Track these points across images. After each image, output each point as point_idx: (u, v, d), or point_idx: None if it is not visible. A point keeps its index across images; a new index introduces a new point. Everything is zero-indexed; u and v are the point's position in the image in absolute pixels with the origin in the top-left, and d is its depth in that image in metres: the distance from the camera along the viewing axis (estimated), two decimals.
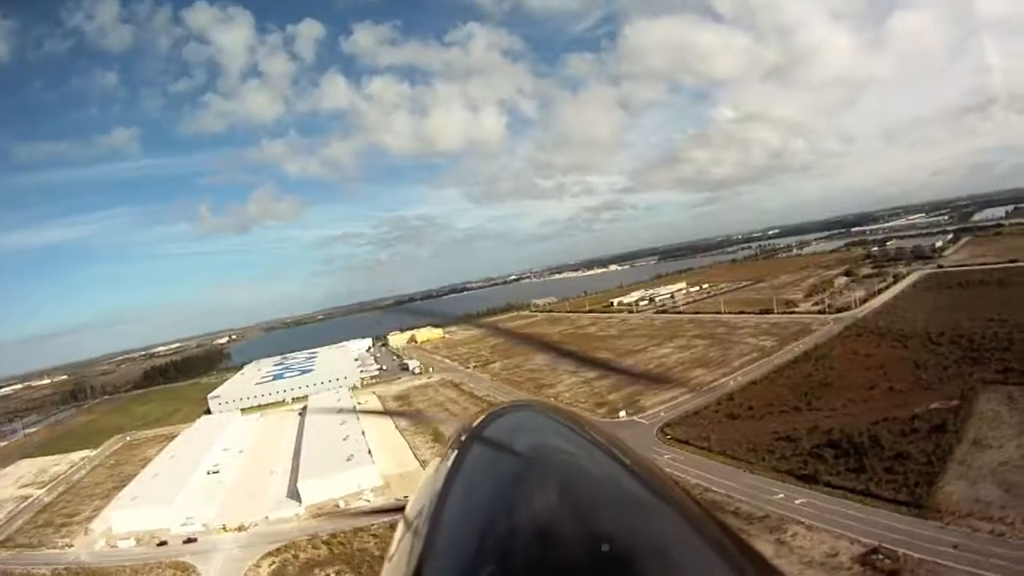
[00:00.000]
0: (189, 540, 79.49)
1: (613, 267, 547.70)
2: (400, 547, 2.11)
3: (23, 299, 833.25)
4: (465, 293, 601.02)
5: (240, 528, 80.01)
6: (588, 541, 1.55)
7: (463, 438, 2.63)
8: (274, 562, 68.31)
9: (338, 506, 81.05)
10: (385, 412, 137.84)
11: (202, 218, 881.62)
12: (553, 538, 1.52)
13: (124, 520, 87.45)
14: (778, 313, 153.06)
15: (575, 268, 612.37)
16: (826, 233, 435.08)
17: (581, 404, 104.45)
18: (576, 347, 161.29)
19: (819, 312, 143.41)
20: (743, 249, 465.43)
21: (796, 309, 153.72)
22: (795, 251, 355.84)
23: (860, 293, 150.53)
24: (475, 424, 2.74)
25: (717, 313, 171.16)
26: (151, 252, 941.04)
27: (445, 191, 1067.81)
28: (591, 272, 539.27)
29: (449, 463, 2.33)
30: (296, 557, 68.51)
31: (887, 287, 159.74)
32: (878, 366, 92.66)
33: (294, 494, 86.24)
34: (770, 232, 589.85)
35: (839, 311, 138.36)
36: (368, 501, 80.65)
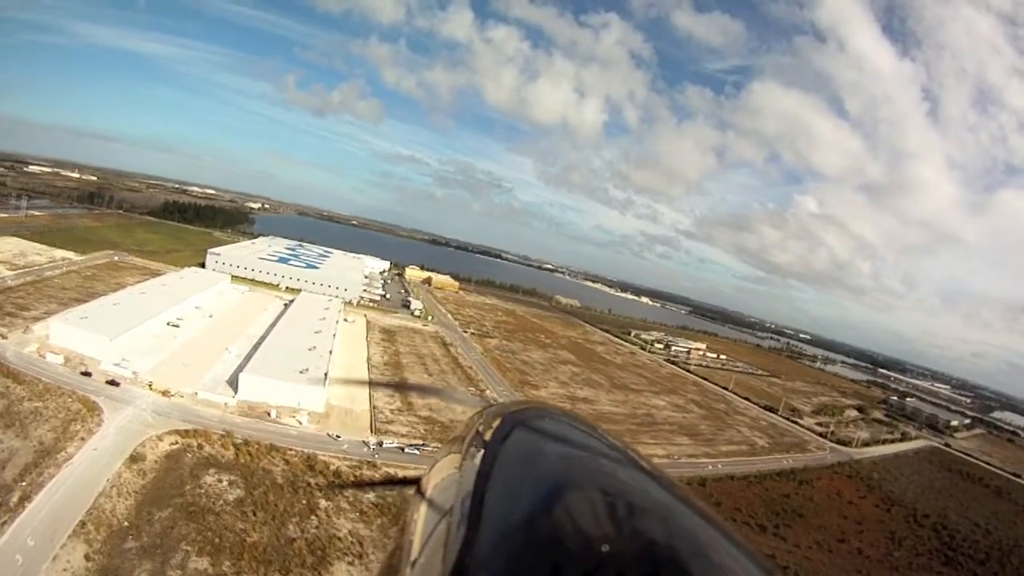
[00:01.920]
0: (112, 382, 78.94)
1: (645, 299, 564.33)
2: (434, 540, 2.13)
3: (89, 91, 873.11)
4: (498, 261, 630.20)
5: (165, 393, 78.94)
6: (634, 547, 1.62)
7: (492, 434, 2.56)
8: (176, 442, 66.63)
9: (268, 414, 78.91)
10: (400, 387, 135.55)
11: (285, 85, 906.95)
12: (603, 545, 1.56)
13: (63, 335, 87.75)
14: (781, 416, 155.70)
15: (610, 284, 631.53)
16: (853, 361, 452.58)
17: None
18: (576, 357, 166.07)
19: (820, 434, 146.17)
20: (772, 339, 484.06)
21: (799, 421, 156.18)
22: (819, 364, 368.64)
23: (865, 434, 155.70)
24: (501, 421, 2.67)
25: (724, 388, 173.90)
26: (225, 97, 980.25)
27: (520, 158, 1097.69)
28: (623, 294, 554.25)
29: (481, 459, 2.35)
30: (200, 448, 66.65)
31: (892, 441, 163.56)
32: (856, 519, 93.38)
33: (234, 382, 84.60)
34: (802, 335, 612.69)
35: (840, 442, 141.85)
36: (299, 423, 78.21)
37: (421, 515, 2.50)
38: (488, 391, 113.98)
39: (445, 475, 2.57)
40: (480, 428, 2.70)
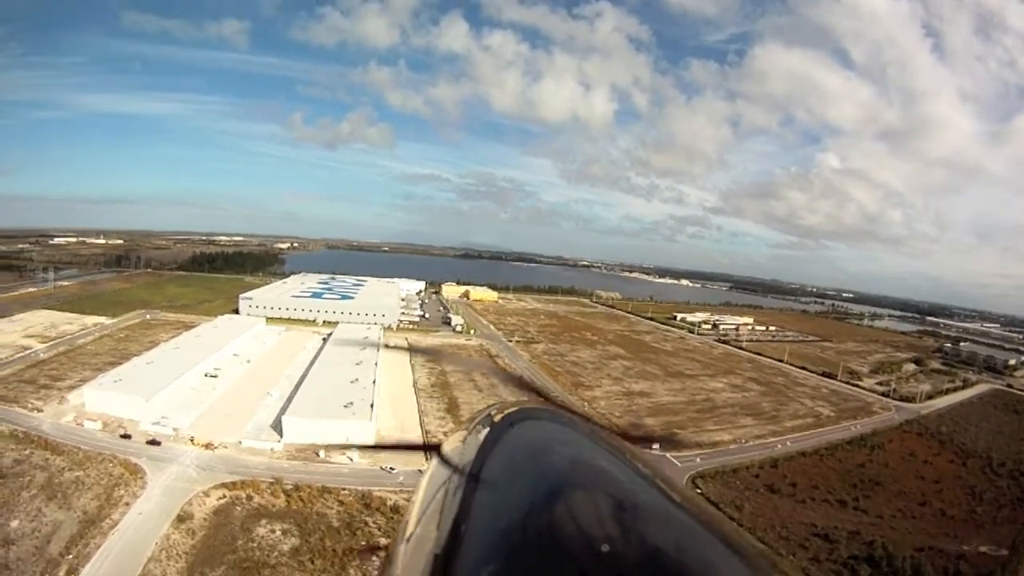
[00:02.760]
0: (152, 442, 78.13)
1: (684, 282, 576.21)
2: (423, 535, 2.27)
3: (103, 159, 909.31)
4: (534, 265, 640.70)
5: (208, 446, 77.58)
6: (630, 549, 1.68)
7: (487, 435, 2.75)
8: (224, 496, 64.79)
9: (317, 454, 76.70)
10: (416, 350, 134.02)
11: (293, 124, 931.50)
12: (600, 546, 1.64)
13: (99, 400, 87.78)
14: (840, 381, 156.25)
15: (647, 272, 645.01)
16: (899, 313, 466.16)
17: (613, 419, 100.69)
18: (625, 350, 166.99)
19: (883, 394, 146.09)
20: (815, 303, 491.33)
21: (859, 383, 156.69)
22: (866, 321, 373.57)
23: (927, 387, 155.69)
24: (499, 420, 2.90)
25: (779, 360, 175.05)
26: (235, 144, 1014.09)
27: (538, 160, 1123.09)
28: (662, 280, 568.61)
29: (476, 458, 2.52)
30: (249, 499, 64.62)
31: (955, 389, 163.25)
32: (933, 479, 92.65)
33: (278, 426, 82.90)
34: (844, 294, 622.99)
35: (903, 399, 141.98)
36: (350, 460, 75.70)
37: (415, 509, 2.69)
38: None
39: (455, 449, 2.75)
40: (479, 427, 2.90)
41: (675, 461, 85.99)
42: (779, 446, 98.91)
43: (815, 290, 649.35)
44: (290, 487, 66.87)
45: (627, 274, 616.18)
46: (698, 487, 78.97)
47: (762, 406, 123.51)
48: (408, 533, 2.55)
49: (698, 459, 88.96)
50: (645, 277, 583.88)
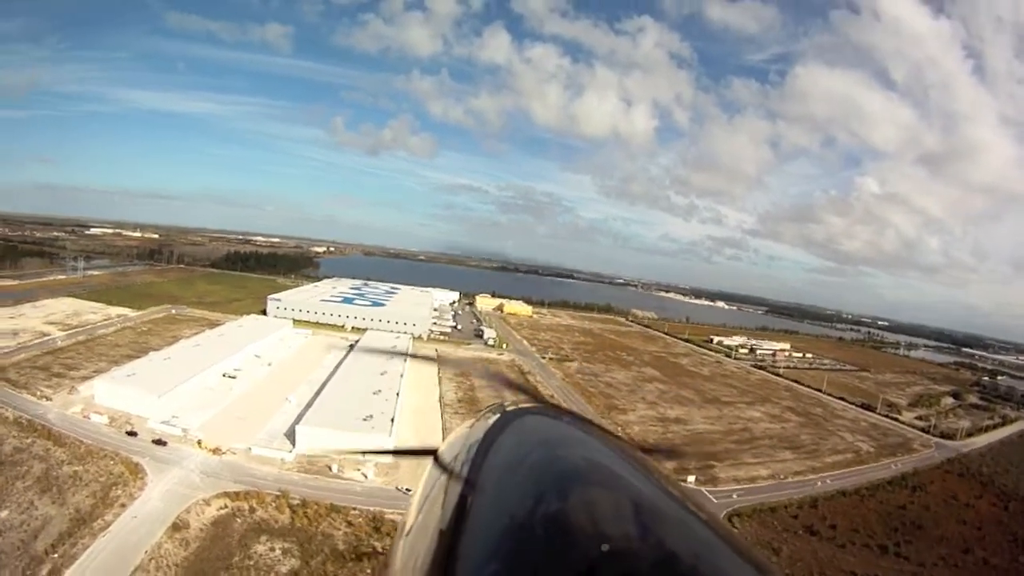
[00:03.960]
0: (158, 441, 77.02)
1: (720, 303, 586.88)
2: (426, 533, 2.35)
3: (145, 154, 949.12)
4: (570, 280, 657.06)
5: (215, 451, 75.94)
6: (629, 548, 1.75)
7: (486, 434, 2.88)
8: (225, 507, 62.67)
9: (329, 468, 74.18)
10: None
11: (335, 129, 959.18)
12: (599, 542, 1.71)
13: (108, 394, 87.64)
14: (880, 414, 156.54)
15: (683, 292, 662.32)
16: (934, 343, 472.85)
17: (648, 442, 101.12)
18: (661, 373, 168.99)
19: (923, 430, 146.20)
20: (852, 330, 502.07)
21: (899, 417, 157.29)
22: (902, 351, 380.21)
23: (966, 423, 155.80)
24: (498, 419, 3.05)
25: (817, 390, 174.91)
26: (276, 146, 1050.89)
27: (578, 175, 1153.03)
28: (698, 301, 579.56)
29: (475, 457, 2.66)
30: (252, 511, 62.34)
31: (994, 427, 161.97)
32: (975, 524, 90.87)
33: (292, 435, 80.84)
34: (880, 322, 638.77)
35: (943, 436, 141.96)
36: (365, 477, 72.88)
37: (412, 511, 2.85)
38: None
39: (441, 475, 2.86)
40: (485, 416, 3.13)
41: (711, 497, 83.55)
42: (819, 483, 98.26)
43: (850, 317, 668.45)
44: (297, 502, 64.37)
45: (663, 293, 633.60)
46: (734, 527, 74.85)
47: (801, 439, 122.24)
48: (407, 530, 2.65)
49: (735, 495, 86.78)
50: (681, 297, 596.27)
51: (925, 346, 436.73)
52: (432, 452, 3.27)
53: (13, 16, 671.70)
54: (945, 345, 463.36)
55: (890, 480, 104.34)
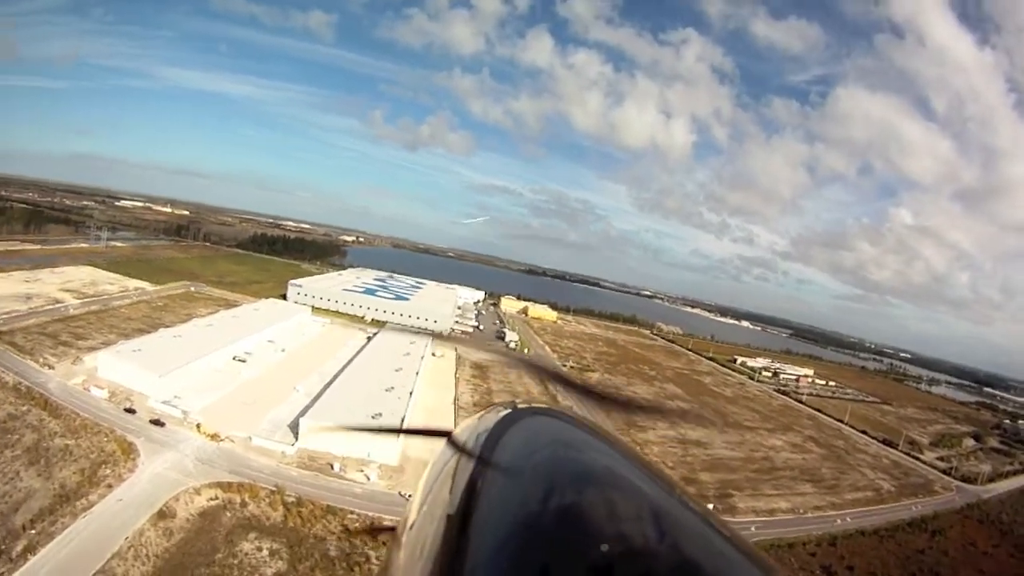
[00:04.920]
0: (156, 421, 75.56)
1: (745, 323, 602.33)
2: (427, 532, 2.39)
3: (180, 131, 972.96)
4: (596, 288, 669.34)
5: (214, 437, 74.09)
6: (632, 547, 1.80)
7: (494, 429, 2.92)
8: (215, 497, 60.52)
9: (331, 466, 71.79)
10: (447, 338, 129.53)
11: (373, 121, 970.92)
12: (601, 542, 1.75)
13: (112, 368, 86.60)
14: (901, 451, 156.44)
15: (709, 309, 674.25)
16: (955, 380, 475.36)
17: (667, 468, 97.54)
18: (684, 391, 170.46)
19: (944, 471, 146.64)
20: (874, 360, 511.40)
21: (920, 456, 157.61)
22: (924, 386, 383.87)
23: (987, 468, 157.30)
24: (506, 415, 3.09)
25: (839, 421, 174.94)
26: (314, 134, 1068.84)
27: (613, 185, 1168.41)
28: (723, 319, 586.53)
29: (483, 451, 2.71)
30: (243, 505, 60.11)
31: (1015, 473, 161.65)
32: (993, 574, 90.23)
33: (295, 427, 78.72)
34: (902, 353, 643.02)
35: (964, 479, 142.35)
36: (367, 479, 70.36)
37: (413, 508, 2.83)
38: None
39: (443, 473, 2.87)
40: (494, 412, 3.14)
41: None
42: (838, 521, 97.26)
43: (873, 346, 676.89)
44: (292, 499, 62.00)
45: (689, 309, 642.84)
46: None
47: (822, 472, 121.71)
48: (412, 520, 2.67)
49: (753, 527, 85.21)
50: (707, 314, 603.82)
51: (947, 382, 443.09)
52: (447, 434, 3.21)
53: None
54: (966, 383, 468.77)
55: (910, 522, 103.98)
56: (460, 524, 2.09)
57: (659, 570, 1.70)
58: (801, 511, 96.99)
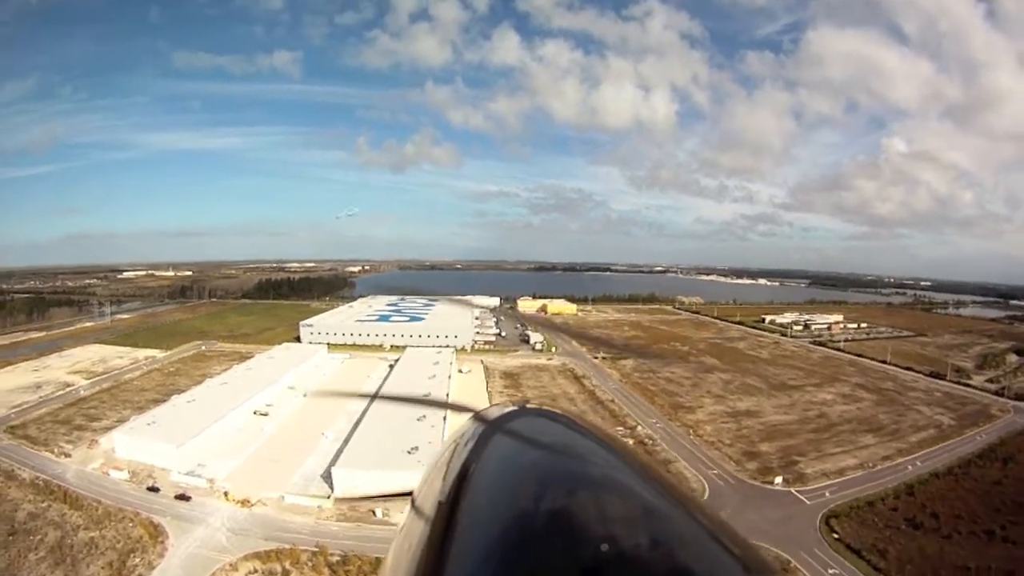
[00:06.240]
0: (182, 496, 71.65)
1: (762, 281, 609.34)
2: (415, 536, 2.43)
3: (173, 194, 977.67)
4: (608, 274, 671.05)
5: (244, 503, 69.99)
6: (627, 548, 1.81)
7: (484, 434, 3.04)
8: (254, 571, 56.27)
9: (373, 513, 67.45)
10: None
11: (358, 149, 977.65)
12: (587, 543, 1.77)
13: (128, 446, 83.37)
14: (950, 381, 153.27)
15: (723, 274, 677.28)
16: (981, 298, 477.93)
17: (724, 447, 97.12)
18: (720, 361, 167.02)
19: (996, 393, 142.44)
20: (897, 294, 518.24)
21: (970, 382, 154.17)
22: (952, 310, 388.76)
23: None
24: (494, 419, 3.25)
25: (883, 362, 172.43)
26: (303, 172, 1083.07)
27: (605, 168, 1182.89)
28: (739, 281, 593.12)
29: (472, 457, 2.77)
30: (286, 574, 55.62)
31: None
32: None
33: (328, 476, 74.49)
34: (922, 283, 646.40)
35: (1018, 397, 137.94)
36: None
37: (409, 512, 2.93)
38: (639, 427, 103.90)
39: (440, 473, 2.92)
40: (479, 426, 3.23)
41: (803, 498, 78.38)
42: (909, 467, 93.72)
43: (892, 280, 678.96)
44: (337, 559, 57.66)
45: (703, 277, 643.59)
46: (833, 529, 70.49)
47: (880, 419, 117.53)
48: (401, 528, 2.74)
49: (827, 493, 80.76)
50: (722, 279, 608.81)
51: (973, 302, 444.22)
52: (474, 412, 3.47)
53: (27, 74, 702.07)
54: (992, 299, 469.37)
55: (979, 454, 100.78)
56: (443, 530, 2.10)
57: (648, 570, 1.71)
58: (870, 464, 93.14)
